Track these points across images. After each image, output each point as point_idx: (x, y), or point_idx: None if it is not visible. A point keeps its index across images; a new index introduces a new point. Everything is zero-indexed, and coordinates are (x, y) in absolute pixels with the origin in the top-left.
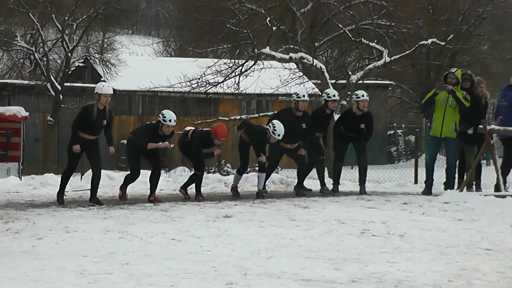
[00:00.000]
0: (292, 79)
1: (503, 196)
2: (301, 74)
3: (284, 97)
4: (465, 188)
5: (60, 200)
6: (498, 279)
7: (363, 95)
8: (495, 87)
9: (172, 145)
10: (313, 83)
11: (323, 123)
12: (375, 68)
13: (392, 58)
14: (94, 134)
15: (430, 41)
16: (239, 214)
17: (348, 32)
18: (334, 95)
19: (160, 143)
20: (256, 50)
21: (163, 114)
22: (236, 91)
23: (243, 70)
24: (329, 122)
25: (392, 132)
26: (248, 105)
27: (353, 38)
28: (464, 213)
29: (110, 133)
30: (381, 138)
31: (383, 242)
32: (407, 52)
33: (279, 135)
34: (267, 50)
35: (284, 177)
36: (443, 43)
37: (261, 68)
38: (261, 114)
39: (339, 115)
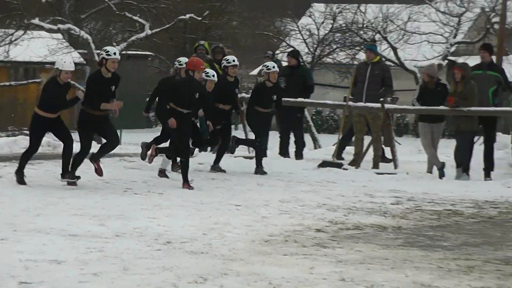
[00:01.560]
0: (60, 48)
1: (250, 158)
2: (68, 44)
3: (51, 65)
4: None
5: None
6: (247, 232)
7: (273, 67)
8: (244, 58)
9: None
10: (79, 52)
11: (267, 97)
12: (138, 40)
13: (153, 31)
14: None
15: (188, 16)
16: (8, 175)
17: (112, 6)
18: (273, 66)
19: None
20: (26, 20)
21: (106, 49)
22: (6, 59)
23: (13, 39)
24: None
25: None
26: (16, 72)
27: (117, 12)
28: (217, 173)
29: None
30: (141, 103)
31: (144, 199)
32: (167, 26)
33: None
34: (36, 20)
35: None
36: (200, 18)
37: (30, 38)
38: (29, 81)
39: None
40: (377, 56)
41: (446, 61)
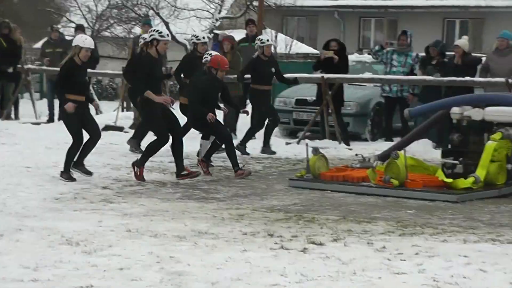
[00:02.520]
0: None
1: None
2: None
3: None
4: None
5: None
6: (38, 191)
7: (267, 40)
8: (27, 33)
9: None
10: None
11: (264, 71)
12: None
13: None
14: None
15: None
16: None
17: None
18: (267, 40)
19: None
20: None
21: (157, 30)
22: None
23: None
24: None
25: None
26: None
27: None
28: (7, 138)
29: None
30: None
31: None
32: None
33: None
34: None
35: None
36: None
37: None
38: None
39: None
40: None
41: (212, 34)
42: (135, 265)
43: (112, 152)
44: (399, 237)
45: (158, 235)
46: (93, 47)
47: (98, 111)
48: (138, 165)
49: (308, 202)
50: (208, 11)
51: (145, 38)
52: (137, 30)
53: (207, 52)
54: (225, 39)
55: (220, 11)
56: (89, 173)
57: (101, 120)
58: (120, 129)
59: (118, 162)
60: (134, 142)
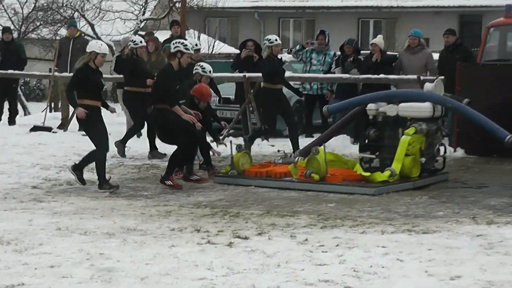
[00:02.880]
0: None
1: None
2: None
3: None
4: None
5: None
6: None
7: (276, 39)
8: None
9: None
10: None
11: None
12: None
13: None
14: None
15: None
16: None
17: None
18: (276, 39)
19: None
20: None
21: (182, 42)
22: None
23: None
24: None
25: None
26: None
27: None
28: None
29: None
30: None
31: None
32: None
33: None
34: None
35: None
36: None
37: None
38: None
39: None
40: (78, 32)
41: (137, 35)
42: (65, 262)
43: (41, 152)
44: (321, 229)
45: (88, 233)
46: (107, 52)
47: (26, 112)
48: (166, 178)
49: (233, 197)
50: (132, 12)
51: (134, 41)
52: (63, 31)
53: (198, 64)
54: (150, 40)
55: (144, 13)
56: (83, 181)
57: (29, 121)
58: (49, 129)
59: (48, 162)
60: (122, 147)
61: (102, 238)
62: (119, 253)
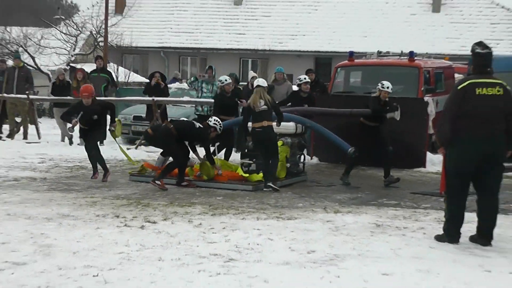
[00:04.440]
0: None
1: None
2: None
3: None
4: None
5: None
6: None
7: (226, 80)
8: None
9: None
10: None
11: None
12: None
13: None
14: None
15: None
16: None
17: None
18: (305, 78)
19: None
20: None
21: (219, 79)
22: None
23: None
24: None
25: None
26: None
27: None
28: None
29: None
30: None
31: None
32: None
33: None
34: None
35: None
36: None
37: None
38: None
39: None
40: (22, 63)
41: (69, 66)
42: (14, 240)
43: None
44: (212, 216)
45: (31, 218)
46: None
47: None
48: (158, 179)
49: (145, 192)
50: (65, 48)
51: (221, 80)
52: (10, 62)
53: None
54: (79, 70)
55: (74, 49)
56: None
57: None
58: None
59: None
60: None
61: (43, 222)
62: (56, 233)
